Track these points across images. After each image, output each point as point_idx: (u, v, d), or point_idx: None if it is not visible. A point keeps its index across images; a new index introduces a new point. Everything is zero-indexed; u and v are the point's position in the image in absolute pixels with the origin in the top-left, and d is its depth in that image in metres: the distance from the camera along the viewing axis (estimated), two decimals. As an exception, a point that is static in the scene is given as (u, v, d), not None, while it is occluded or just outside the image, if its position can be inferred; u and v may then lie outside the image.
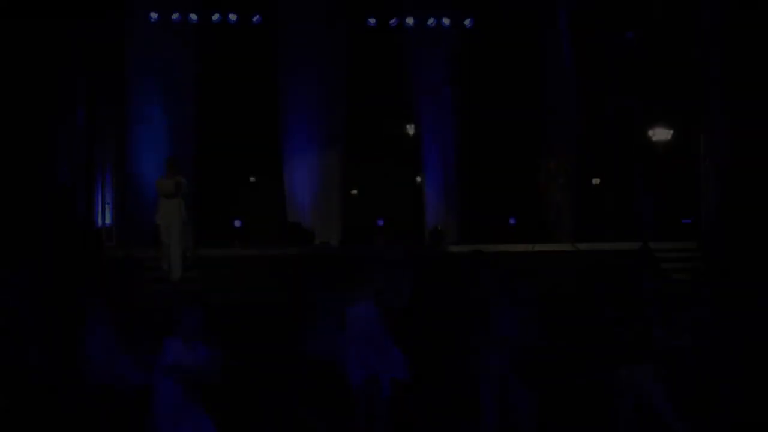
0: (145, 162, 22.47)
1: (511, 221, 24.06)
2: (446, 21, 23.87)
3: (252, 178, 24.72)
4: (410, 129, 24.45)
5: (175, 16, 22.56)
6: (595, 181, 25.86)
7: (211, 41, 23.11)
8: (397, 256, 14.82)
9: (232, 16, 22.95)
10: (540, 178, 22.33)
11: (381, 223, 24.22)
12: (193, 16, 22.68)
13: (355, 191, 25.17)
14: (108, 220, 21.57)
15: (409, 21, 23.71)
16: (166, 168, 18.75)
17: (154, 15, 22.44)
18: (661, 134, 23.14)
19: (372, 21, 23.67)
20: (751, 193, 21.95)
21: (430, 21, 23.82)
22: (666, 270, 20.22)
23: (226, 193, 22.31)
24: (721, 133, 21.96)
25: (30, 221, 17.84)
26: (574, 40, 24.57)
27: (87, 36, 20.99)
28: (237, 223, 22.33)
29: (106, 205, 21.48)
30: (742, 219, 20.88)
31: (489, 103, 24.38)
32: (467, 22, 24.03)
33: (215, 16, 22.89)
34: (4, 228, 17.48)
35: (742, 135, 21.76)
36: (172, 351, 8.46)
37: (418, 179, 24.22)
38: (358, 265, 11.81)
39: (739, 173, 21.77)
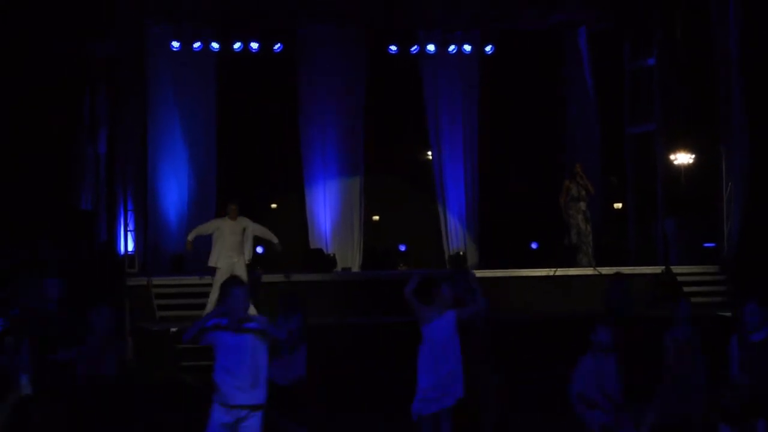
0: (166, 190, 22.57)
1: (533, 246, 24.03)
2: (467, 48, 23.92)
3: (274, 205, 24.76)
4: (430, 155, 24.45)
5: (196, 45, 22.67)
6: (618, 205, 25.81)
7: (233, 69, 23.23)
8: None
9: (254, 45, 23.05)
10: (561, 203, 22.26)
11: (403, 248, 24.22)
12: (215, 45, 22.79)
13: (376, 217, 25.17)
14: (130, 248, 21.62)
15: (430, 48, 23.78)
16: (229, 209, 18.70)
17: (176, 44, 22.56)
18: (683, 158, 23.05)
19: (393, 48, 23.75)
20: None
21: (451, 48, 23.88)
22: (688, 293, 20.17)
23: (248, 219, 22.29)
24: (743, 157, 21.90)
25: (53, 246, 17.92)
26: (595, 65, 24.59)
27: (109, 62, 21.14)
28: (259, 250, 22.33)
29: (129, 233, 21.54)
30: (765, 242, 20.78)
31: (510, 128, 24.43)
32: (488, 48, 24.08)
33: (237, 45, 22.99)
34: (27, 253, 17.55)
35: (765, 158, 21.69)
36: None
37: (440, 205, 24.20)
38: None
39: (761, 196, 21.69)
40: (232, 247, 18.21)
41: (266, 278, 19.71)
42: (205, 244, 19.30)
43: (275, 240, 18.72)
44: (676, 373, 10.75)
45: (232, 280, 8.72)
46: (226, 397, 8.26)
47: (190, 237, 18.78)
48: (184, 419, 12.35)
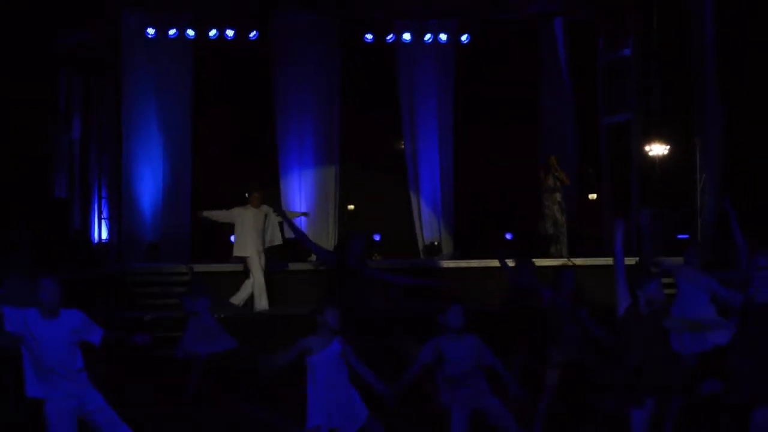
0: (141, 178, 22.49)
1: (508, 236, 24.05)
2: (443, 37, 23.91)
3: (248, 195, 24.68)
4: (405, 144, 24.40)
5: (172, 32, 22.59)
6: (592, 196, 25.88)
7: (208, 57, 23.15)
8: None
9: (229, 33, 22.97)
10: (537, 193, 22.35)
11: (378, 238, 24.22)
12: (191, 32, 22.71)
13: (351, 206, 25.16)
14: (105, 236, 21.56)
15: (406, 37, 23.76)
16: (252, 198, 19.02)
17: (151, 31, 22.47)
18: (658, 149, 23.12)
19: (368, 37, 23.72)
20: (748, 208, 21.94)
21: (427, 37, 23.86)
22: (662, 284, 20.22)
23: (223, 207, 22.22)
24: (717, 149, 21.99)
25: (25, 234, 17.82)
26: (571, 55, 24.63)
27: (84, 49, 21.05)
28: (233, 239, 22.28)
29: (103, 220, 21.47)
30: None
31: (485, 118, 24.42)
32: (464, 38, 24.07)
33: (212, 33, 22.91)
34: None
35: (739, 150, 21.79)
36: None
37: (414, 195, 24.18)
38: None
39: (735, 188, 21.78)
40: (259, 235, 18.75)
41: (240, 267, 19.73)
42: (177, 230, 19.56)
43: (302, 214, 20.58)
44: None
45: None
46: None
47: (205, 215, 19.20)
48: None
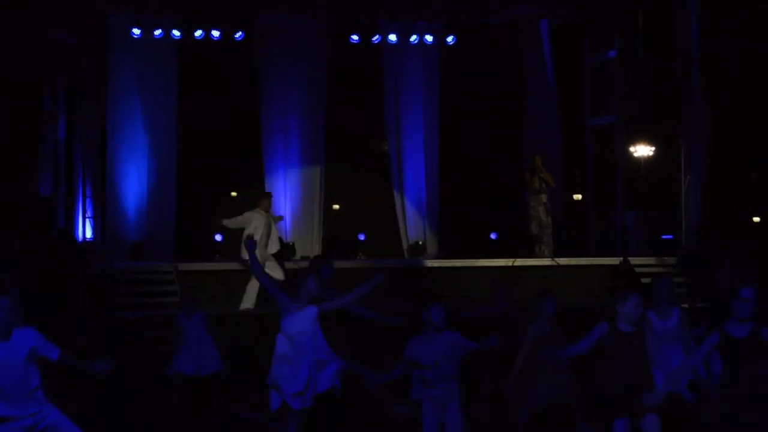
0: (126, 177, 22.47)
1: (493, 236, 24.10)
2: (429, 38, 23.92)
3: (234, 193, 24.71)
4: (390, 144, 24.40)
5: (157, 32, 22.56)
6: (577, 196, 25.96)
7: (194, 57, 23.11)
8: None
9: (215, 33, 22.95)
10: (522, 192, 22.41)
11: (362, 237, 24.23)
12: (176, 33, 22.69)
13: (337, 206, 25.18)
14: (89, 235, 21.55)
15: (392, 38, 23.77)
16: (263, 202, 19.09)
17: (137, 31, 22.43)
18: (643, 150, 23.19)
19: (355, 38, 23.73)
20: (731, 209, 22.07)
21: (413, 38, 23.87)
22: (645, 285, 20.31)
23: (208, 207, 22.23)
24: (702, 150, 22.09)
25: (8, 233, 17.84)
26: (556, 57, 24.69)
27: (69, 48, 21.04)
28: (218, 237, 22.31)
29: (87, 219, 21.46)
30: (722, 235, 20.97)
31: (470, 119, 24.44)
32: (450, 39, 24.08)
33: (198, 33, 22.88)
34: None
35: (723, 151, 21.89)
36: None
37: (399, 195, 24.19)
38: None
39: (719, 189, 21.90)
40: (269, 238, 18.85)
41: (224, 266, 19.78)
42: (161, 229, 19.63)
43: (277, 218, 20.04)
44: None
45: None
46: None
47: (224, 223, 19.27)
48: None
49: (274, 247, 19.07)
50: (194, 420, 13.47)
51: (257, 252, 18.36)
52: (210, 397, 14.28)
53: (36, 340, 8.68)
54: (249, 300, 18.65)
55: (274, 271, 18.30)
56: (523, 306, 12.21)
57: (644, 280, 20.51)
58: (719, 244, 20.47)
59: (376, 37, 23.77)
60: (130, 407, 13.93)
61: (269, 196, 19.71)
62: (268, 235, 18.83)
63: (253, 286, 18.62)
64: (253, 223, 18.76)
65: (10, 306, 8.58)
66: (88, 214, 21.48)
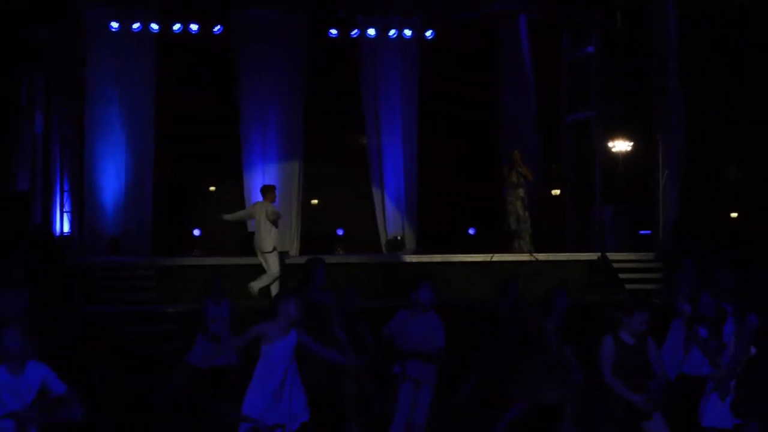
0: (103, 171, 22.41)
1: (471, 231, 24.14)
2: (407, 33, 23.92)
3: (212, 188, 24.67)
4: (369, 139, 24.37)
5: (135, 25, 22.49)
6: (555, 192, 26.01)
7: (172, 51, 23.05)
8: None
9: (193, 27, 22.89)
10: (500, 188, 22.45)
11: (341, 232, 24.23)
12: (154, 26, 22.62)
13: (315, 201, 25.15)
14: (67, 229, 21.47)
15: (371, 32, 23.75)
16: (268, 193, 19.14)
17: (114, 25, 22.35)
18: (621, 146, 23.24)
19: (333, 32, 23.70)
20: (708, 204, 22.16)
21: (392, 32, 23.86)
22: (623, 280, 20.41)
23: (186, 201, 22.21)
24: (679, 146, 22.17)
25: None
26: (534, 52, 24.72)
27: (47, 43, 20.94)
28: (196, 232, 22.29)
29: (65, 214, 21.39)
30: (699, 229, 21.06)
31: (449, 114, 24.45)
32: (429, 33, 24.08)
33: (176, 26, 22.82)
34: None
35: (700, 147, 21.98)
36: None
37: (378, 190, 24.17)
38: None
39: (696, 185, 21.98)
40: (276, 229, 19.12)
41: (205, 261, 19.76)
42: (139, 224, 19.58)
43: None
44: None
45: None
46: None
47: (227, 218, 19.50)
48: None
49: (272, 241, 18.99)
50: (193, 420, 13.40)
51: (274, 239, 18.58)
52: (210, 396, 14.14)
53: (47, 373, 8.54)
54: (262, 282, 18.67)
55: (275, 264, 18.57)
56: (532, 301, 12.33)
57: (622, 276, 20.63)
58: (695, 239, 20.56)
59: (355, 31, 23.77)
60: (121, 406, 13.85)
61: (273, 188, 19.54)
62: (270, 228, 18.87)
63: (270, 277, 18.71)
64: (258, 214, 18.92)
65: (21, 335, 8.32)
66: (66, 208, 21.40)
